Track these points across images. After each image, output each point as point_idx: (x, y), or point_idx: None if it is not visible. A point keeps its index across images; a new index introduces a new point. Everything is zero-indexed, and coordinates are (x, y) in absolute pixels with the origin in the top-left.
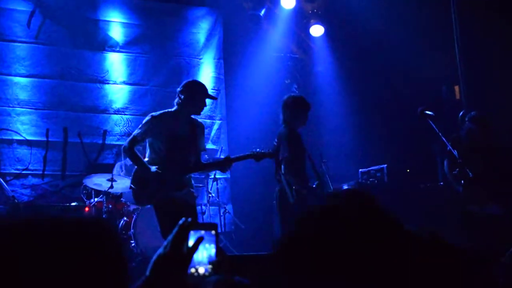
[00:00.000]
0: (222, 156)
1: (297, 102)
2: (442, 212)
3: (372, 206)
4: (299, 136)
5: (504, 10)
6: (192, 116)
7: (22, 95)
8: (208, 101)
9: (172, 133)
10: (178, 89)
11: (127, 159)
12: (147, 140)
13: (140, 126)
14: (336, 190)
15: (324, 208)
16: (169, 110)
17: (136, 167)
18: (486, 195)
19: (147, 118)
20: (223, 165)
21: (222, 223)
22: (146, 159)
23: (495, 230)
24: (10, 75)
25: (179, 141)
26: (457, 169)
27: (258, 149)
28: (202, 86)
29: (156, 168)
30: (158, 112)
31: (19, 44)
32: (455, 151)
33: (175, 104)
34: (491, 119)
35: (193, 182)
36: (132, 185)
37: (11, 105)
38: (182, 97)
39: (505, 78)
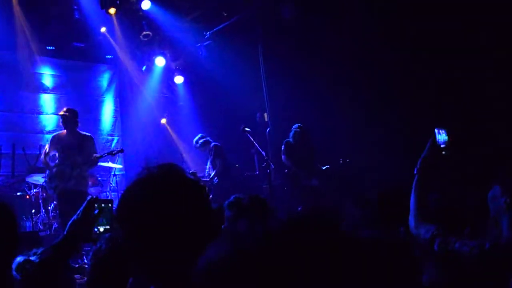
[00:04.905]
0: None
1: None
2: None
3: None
4: None
5: (294, 62)
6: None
7: None
8: (110, 122)
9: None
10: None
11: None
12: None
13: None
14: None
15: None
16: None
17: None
18: (309, 173)
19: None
20: (93, 162)
21: None
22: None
23: (315, 194)
24: None
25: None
26: (264, 163)
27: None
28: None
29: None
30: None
31: None
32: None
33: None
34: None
35: (98, 175)
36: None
37: None
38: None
39: (293, 107)
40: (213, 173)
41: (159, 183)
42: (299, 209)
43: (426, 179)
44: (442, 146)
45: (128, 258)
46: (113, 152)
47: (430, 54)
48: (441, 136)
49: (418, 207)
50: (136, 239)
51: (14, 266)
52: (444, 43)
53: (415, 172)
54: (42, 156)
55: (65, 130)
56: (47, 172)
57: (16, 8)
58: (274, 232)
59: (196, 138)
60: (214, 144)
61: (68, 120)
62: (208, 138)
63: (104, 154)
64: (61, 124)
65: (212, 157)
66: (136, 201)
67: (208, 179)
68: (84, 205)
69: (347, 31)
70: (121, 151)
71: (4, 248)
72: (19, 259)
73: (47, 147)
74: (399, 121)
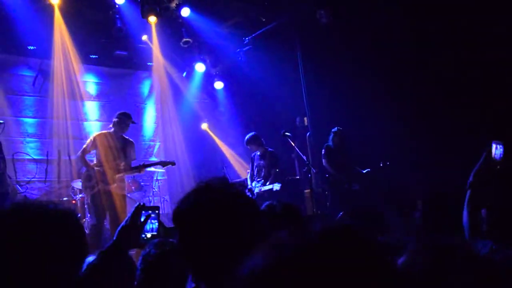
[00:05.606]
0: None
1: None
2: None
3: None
4: None
5: (333, 66)
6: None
7: (30, 130)
8: (151, 128)
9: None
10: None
11: None
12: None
13: None
14: None
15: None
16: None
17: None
18: (350, 178)
19: None
20: (138, 169)
21: (163, 207)
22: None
23: (356, 198)
24: (22, 117)
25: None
26: (305, 168)
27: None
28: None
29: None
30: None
31: (28, 97)
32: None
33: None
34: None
35: (141, 180)
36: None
37: (23, 137)
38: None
39: (333, 111)
40: (269, 181)
41: (209, 194)
42: (340, 214)
43: (480, 193)
44: (498, 160)
45: (183, 259)
46: (165, 163)
47: (474, 56)
48: (498, 151)
49: (472, 222)
50: (189, 242)
51: (85, 266)
52: (493, 49)
53: (467, 186)
54: (80, 153)
55: (111, 132)
56: (83, 169)
57: (59, 18)
58: (300, 245)
59: (252, 135)
60: (274, 151)
61: (123, 123)
62: (263, 140)
63: (155, 162)
64: (112, 127)
65: (268, 163)
66: (188, 210)
67: (263, 186)
68: (131, 212)
69: (385, 34)
70: (173, 163)
71: (80, 252)
72: (90, 258)
73: (87, 145)
74: (440, 125)
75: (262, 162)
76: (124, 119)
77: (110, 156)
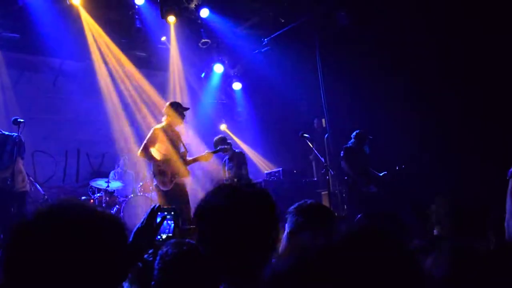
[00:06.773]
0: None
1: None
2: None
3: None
4: None
5: (352, 68)
6: None
7: (50, 129)
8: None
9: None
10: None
11: (119, 167)
12: None
13: None
14: None
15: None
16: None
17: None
18: (369, 180)
19: None
20: (205, 157)
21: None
22: None
23: (373, 201)
24: (42, 116)
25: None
26: (323, 170)
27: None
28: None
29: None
30: None
31: (48, 96)
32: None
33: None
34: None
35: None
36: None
37: (43, 136)
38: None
39: (351, 113)
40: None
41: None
42: (358, 216)
43: None
44: None
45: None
46: (225, 149)
47: (497, 56)
48: None
49: None
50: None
51: None
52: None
53: (508, 177)
54: (144, 148)
55: (164, 125)
56: (155, 163)
57: (85, 18)
58: (334, 247)
59: (219, 137)
60: (242, 151)
61: (177, 114)
62: (230, 142)
63: (216, 150)
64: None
65: (237, 163)
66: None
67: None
68: (147, 213)
69: (404, 37)
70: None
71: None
72: None
73: (150, 139)
74: (456, 129)
75: (231, 164)
76: (178, 110)
77: (175, 148)
